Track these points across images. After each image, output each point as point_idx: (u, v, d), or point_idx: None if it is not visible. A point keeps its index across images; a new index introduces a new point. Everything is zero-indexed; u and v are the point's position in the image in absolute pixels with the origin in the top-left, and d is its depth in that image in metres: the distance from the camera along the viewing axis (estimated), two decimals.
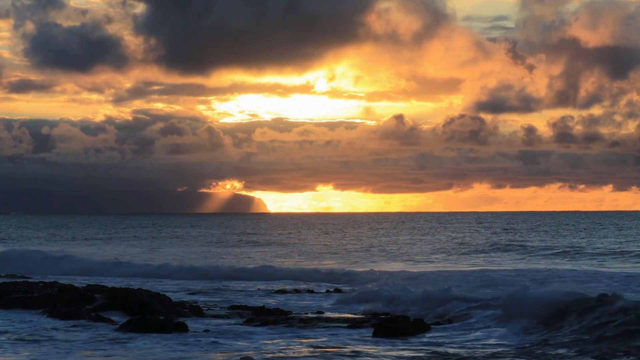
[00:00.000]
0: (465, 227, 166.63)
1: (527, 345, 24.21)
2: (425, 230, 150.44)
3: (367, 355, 22.66)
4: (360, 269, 57.47)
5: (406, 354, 22.98)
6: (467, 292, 33.56)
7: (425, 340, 25.57)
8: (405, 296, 34.93)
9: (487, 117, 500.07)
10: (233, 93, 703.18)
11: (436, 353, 22.98)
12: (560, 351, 22.94)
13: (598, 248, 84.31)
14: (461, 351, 23.32)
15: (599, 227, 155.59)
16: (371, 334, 26.47)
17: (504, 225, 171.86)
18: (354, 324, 28.68)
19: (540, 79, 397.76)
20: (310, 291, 43.27)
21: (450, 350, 23.45)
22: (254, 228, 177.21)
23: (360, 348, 23.84)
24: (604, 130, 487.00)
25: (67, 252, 69.58)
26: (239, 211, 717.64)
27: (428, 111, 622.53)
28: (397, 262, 69.94)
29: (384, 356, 22.52)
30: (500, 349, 23.65)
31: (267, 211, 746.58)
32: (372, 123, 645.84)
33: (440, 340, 25.39)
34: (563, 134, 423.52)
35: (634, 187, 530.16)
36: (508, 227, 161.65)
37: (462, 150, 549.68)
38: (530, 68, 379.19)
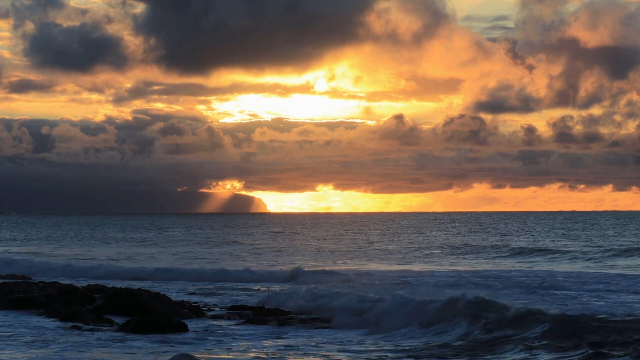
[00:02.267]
0: (450, 227, 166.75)
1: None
2: (412, 230, 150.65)
3: (368, 353, 22.75)
4: (309, 269, 57.76)
5: (403, 349, 23.10)
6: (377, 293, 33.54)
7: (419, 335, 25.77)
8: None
9: (487, 117, 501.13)
10: (233, 93, 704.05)
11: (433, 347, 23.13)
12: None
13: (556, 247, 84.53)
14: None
15: (580, 227, 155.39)
16: (369, 332, 26.87)
17: (487, 226, 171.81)
18: None
19: (540, 79, 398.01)
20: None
21: (445, 340, 23.57)
22: (247, 228, 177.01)
23: (360, 347, 23.95)
24: (604, 130, 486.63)
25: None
26: (239, 211, 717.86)
27: (428, 111, 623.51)
28: (355, 261, 70.04)
29: (386, 355, 22.61)
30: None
31: (267, 211, 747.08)
32: (372, 123, 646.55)
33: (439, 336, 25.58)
34: (563, 133, 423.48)
35: (633, 187, 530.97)
36: (491, 227, 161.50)
37: (462, 150, 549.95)
38: (530, 68, 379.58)
